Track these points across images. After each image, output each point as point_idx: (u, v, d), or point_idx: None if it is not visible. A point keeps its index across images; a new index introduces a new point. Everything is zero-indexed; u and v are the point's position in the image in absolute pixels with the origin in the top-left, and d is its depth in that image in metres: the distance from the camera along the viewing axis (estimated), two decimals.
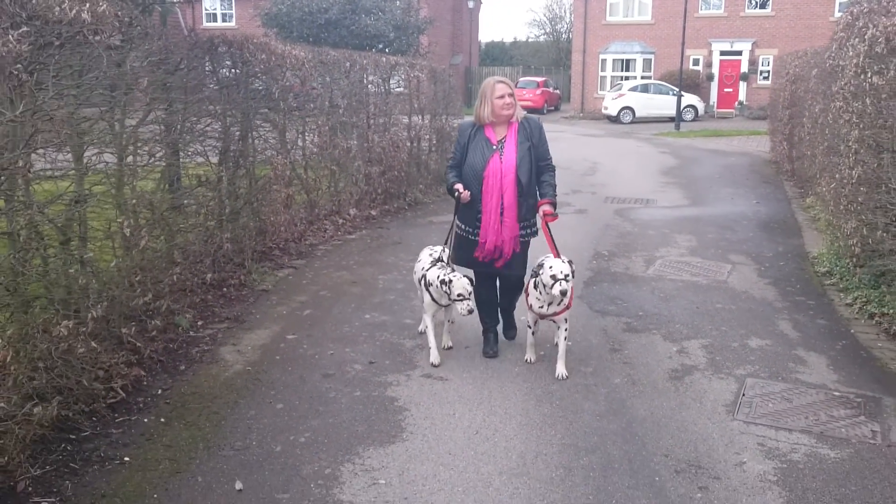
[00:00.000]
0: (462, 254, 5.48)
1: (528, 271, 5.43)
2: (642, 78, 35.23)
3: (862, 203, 6.91)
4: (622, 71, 36.81)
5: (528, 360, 5.44)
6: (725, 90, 35.70)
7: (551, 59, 51.59)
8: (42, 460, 3.92)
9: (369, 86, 11.55)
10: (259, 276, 7.45)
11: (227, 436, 4.35)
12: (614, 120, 31.82)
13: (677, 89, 29.54)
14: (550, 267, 4.98)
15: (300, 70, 9.08)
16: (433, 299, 5.35)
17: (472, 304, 5.15)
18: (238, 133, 7.65)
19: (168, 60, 5.78)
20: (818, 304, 6.97)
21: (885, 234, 6.44)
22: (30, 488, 3.69)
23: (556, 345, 5.35)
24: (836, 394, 4.98)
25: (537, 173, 5.30)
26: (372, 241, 9.49)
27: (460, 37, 44.53)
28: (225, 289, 6.98)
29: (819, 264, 8.15)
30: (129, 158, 5.42)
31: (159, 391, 4.90)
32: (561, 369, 5.19)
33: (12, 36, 3.39)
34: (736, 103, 34.76)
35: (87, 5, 4.35)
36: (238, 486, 3.82)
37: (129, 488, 3.78)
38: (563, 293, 4.91)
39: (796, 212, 11.57)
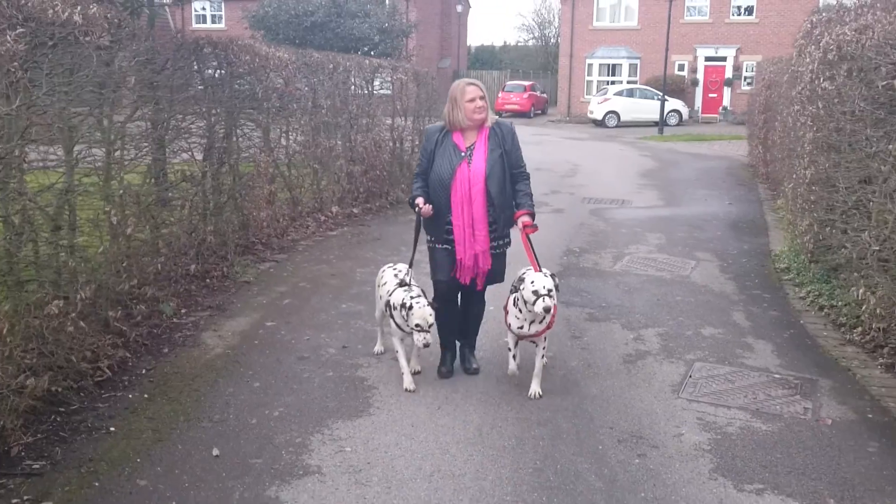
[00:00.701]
0: (441, 266, 5.08)
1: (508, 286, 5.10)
2: (628, 83, 35.72)
3: (814, 202, 7.30)
4: (608, 75, 37.31)
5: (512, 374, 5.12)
6: (710, 95, 36.24)
7: (539, 63, 52.06)
8: (34, 429, 4.23)
9: (352, 87, 11.89)
10: (241, 269, 7.77)
11: (206, 410, 4.68)
12: (599, 124, 32.27)
13: (662, 94, 30.01)
14: (532, 282, 4.61)
15: (284, 71, 9.42)
16: (398, 325, 4.97)
17: (429, 337, 4.79)
18: (222, 131, 7.97)
19: (154, 60, 6.11)
20: (773, 297, 7.35)
21: (833, 231, 6.82)
22: (22, 453, 4.01)
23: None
24: (777, 376, 5.35)
25: (511, 182, 4.98)
26: (353, 237, 9.82)
27: (449, 40, 44.94)
28: (208, 280, 7.29)
29: (779, 261, 8.53)
30: (117, 153, 5.75)
31: (143, 371, 5.22)
32: (535, 388, 4.90)
33: (10, 36, 3.72)
34: (720, 108, 35.27)
35: (79, 8, 4.68)
36: (215, 452, 4.15)
37: (114, 454, 4.10)
38: (547, 310, 4.55)
39: (766, 213, 11.96)
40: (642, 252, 9.14)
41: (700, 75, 36.07)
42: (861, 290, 5.99)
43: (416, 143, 13.82)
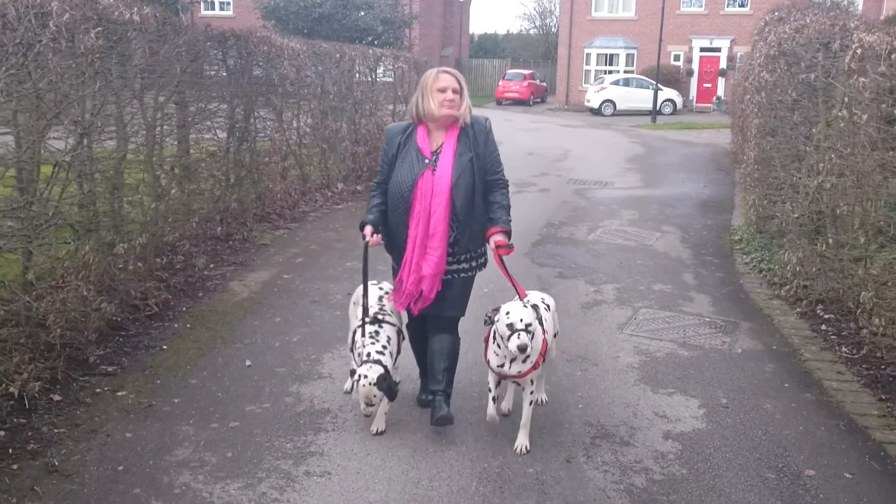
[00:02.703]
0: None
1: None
2: (625, 72, 36.68)
3: (758, 179, 8.41)
4: (606, 65, 38.27)
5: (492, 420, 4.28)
6: (704, 85, 37.17)
7: (540, 52, 52.94)
8: (103, 345, 5.34)
9: (357, 75, 12.97)
10: (259, 234, 8.89)
11: (238, 336, 5.80)
12: (596, 112, 33.24)
13: (655, 84, 31.00)
14: (507, 313, 3.88)
15: (296, 60, 10.50)
16: (355, 361, 4.33)
17: (371, 411, 4.16)
18: (242, 113, 9.06)
19: (190, 52, 7.18)
20: (722, 262, 8.45)
21: (770, 204, 7.92)
22: (97, 361, 5.12)
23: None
24: (707, 320, 6.46)
25: (484, 191, 4.19)
26: (357, 210, 10.92)
27: (451, 29, 45.84)
28: (231, 242, 8.41)
29: (735, 234, 9.63)
30: (158, 129, 6.85)
31: (183, 308, 6.34)
32: (522, 440, 4.13)
33: (92, 34, 4.80)
34: (714, 98, 36.21)
35: (135, 9, 5.76)
36: (248, 363, 5.27)
37: (168, 363, 5.23)
38: (522, 349, 3.78)
39: (736, 195, 12.99)
40: (615, 225, 10.23)
41: (695, 65, 36.99)
42: (786, 253, 7.10)
43: None
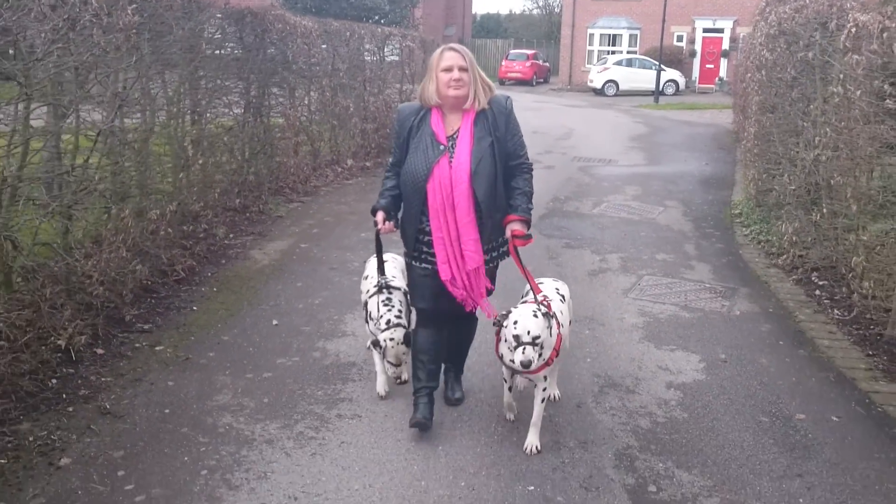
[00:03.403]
0: (416, 292, 4.16)
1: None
2: (628, 53, 36.81)
3: (757, 154, 8.70)
4: (609, 46, 38.37)
5: (509, 419, 4.23)
6: (707, 66, 37.29)
7: (543, 32, 52.93)
8: (137, 305, 5.67)
9: (366, 54, 13.23)
10: (274, 206, 9.20)
11: (263, 298, 6.13)
12: (599, 92, 33.41)
13: (658, 64, 31.16)
14: (515, 323, 3.64)
15: (308, 38, 10.75)
16: (371, 331, 4.43)
17: (405, 374, 4.36)
18: (257, 89, 9.34)
19: (212, 29, 7.46)
20: (722, 234, 8.76)
21: (769, 177, 8.22)
22: (133, 320, 5.45)
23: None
24: (707, 286, 6.79)
25: (506, 177, 3.91)
26: (366, 185, 11.22)
27: (454, 9, 45.91)
28: (248, 213, 8.71)
29: (735, 208, 9.93)
30: (181, 103, 7.15)
31: (209, 274, 6.66)
32: (533, 440, 3.93)
33: (129, 10, 5.09)
34: (716, 79, 36.34)
35: None
36: (275, 322, 5.61)
37: (200, 322, 5.56)
38: (525, 366, 3.58)
39: (737, 172, 13.27)
40: (619, 200, 10.54)
41: (698, 46, 37.09)
42: (783, 224, 7.41)
43: None
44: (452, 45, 3.94)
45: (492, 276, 4.12)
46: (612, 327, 5.70)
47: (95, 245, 5.12)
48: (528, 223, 3.91)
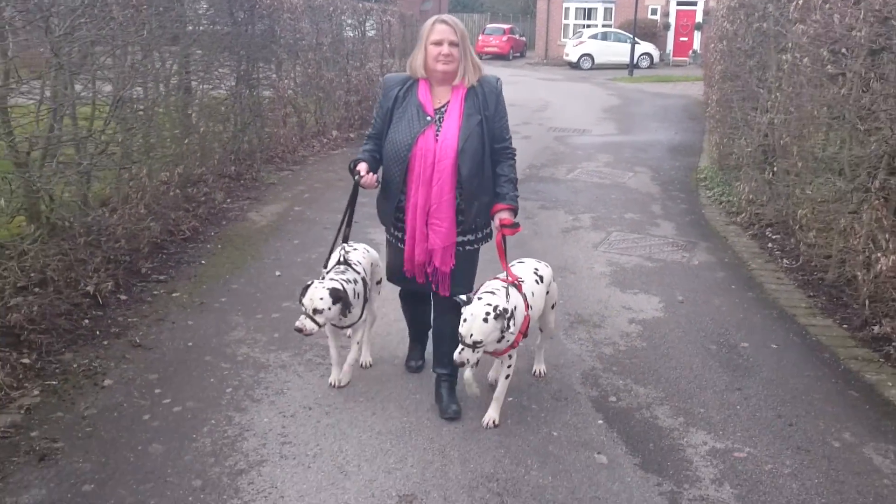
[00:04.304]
0: (388, 263, 4.16)
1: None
2: (603, 26, 37.33)
3: (719, 120, 9.32)
4: (584, 19, 38.89)
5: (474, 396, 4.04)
6: (681, 39, 37.89)
7: (519, 6, 53.17)
8: (150, 259, 6.20)
9: (347, 29, 13.69)
10: (266, 174, 9.71)
11: (264, 254, 6.67)
12: (575, 66, 33.93)
13: (632, 37, 31.72)
14: (464, 320, 3.54)
15: (294, 13, 11.20)
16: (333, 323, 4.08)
17: (305, 323, 3.77)
18: (247, 62, 9.80)
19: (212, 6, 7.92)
20: (687, 196, 9.40)
21: (728, 141, 8.85)
22: (148, 272, 5.98)
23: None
24: (670, 240, 7.42)
25: (491, 161, 3.79)
26: (351, 155, 11.59)
27: None
28: (242, 180, 9.22)
29: (700, 173, 10.57)
30: (183, 74, 7.63)
31: (212, 234, 7.19)
32: (492, 414, 3.91)
33: None
34: (690, 52, 36.93)
35: None
36: (277, 273, 6.17)
37: (209, 273, 6.11)
38: (459, 365, 3.58)
39: (705, 140, 13.95)
40: (591, 167, 11.14)
41: (672, 19, 37.68)
42: (741, 184, 8.05)
43: None
44: (444, 16, 3.79)
45: (473, 259, 3.99)
46: (582, 275, 6.32)
47: (120, 201, 5.63)
48: (515, 211, 3.80)
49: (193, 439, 3.71)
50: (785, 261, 6.70)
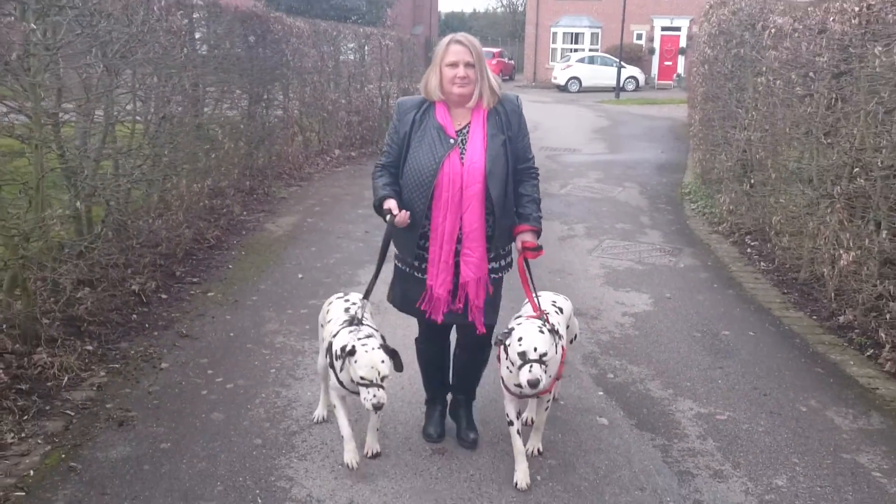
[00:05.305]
0: (400, 293, 3.85)
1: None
2: (590, 51, 38.33)
3: (702, 138, 10.00)
4: (571, 43, 39.87)
5: (518, 486, 3.57)
6: (666, 63, 38.95)
7: (507, 30, 54.35)
8: (184, 263, 6.76)
9: (349, 53, 14.37)
10: (277, 189, 10.31)
11: (285, 259, 7.25)
12: (563, 89, 34.83)
13: (618, 61, 32.65)
14: (520, 339, 3.32)
15: (301, 38, 11.85)
16: (340, 382, 3.57)
17: (381, 395, 3.35)
18: (260, 84, 10.42)
19: (228, 30, 8.55)
20: (673, 209, 10.06)
21: (711, 157, 9.52)
22: (183, 275, 6.54)
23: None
24: (658, 247, 8.05)
25: (514, 182, 3.61)
26: (354, 172, 12.35)
27: (421, 8, 47.02)
28: (256, 195, 9.81)
29: (685, 188, 11.25)
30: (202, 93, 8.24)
31: (234, 242, 7.76)
32: (535, 443, 3.82)
33: (178, 15, 6.18)
34: (674, 75, 37.95)
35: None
36: (300, 276, 6.74)
37: (238, 276, 6.67)
38: (533, 385, 3.26)
39: (689, 158, 14.64)
40: (583, 183, 11.80)
41: (657, 44, 38.75)
42: (722, 196, 8.71)
43: None
44: (459, 36, 3.56)
45: (499, 289, 3.75)
46: (578, 276, 6.93)
47: (165, 208, 6.20)
48: (538, 233, 3.61)
49: (248, 409, 4.27)
50: (762, 263, 7.33)
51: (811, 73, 6.32)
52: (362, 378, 3.31)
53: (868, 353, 5.19)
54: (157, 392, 4.44)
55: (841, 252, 5.53)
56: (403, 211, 3.46)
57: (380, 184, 3.62)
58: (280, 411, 4.26)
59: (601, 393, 4.58)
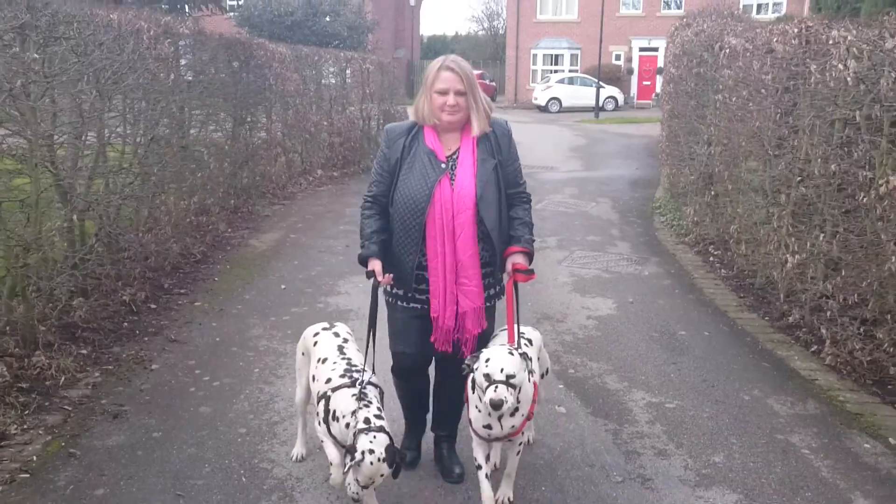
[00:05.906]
0: (400, 337, 3.72)
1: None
2: (570, 71, 39.03)
3: (669, 154, 10.45)
4: (552, 65, 40.61)
5: None
6: (644, 83, 39.68)
7: (489, 53, 55.14)
8: (171, 276, 7.09)
9: (331, 76, 14.79)
10: (261, 208, 10.66)
11: (268, 272, 7.59)
12: (543, 109, 35.44)
13: (597, 82, 33.31)
14: (487, 361, 3.18)
15: (283, 62, 12.26)
16: (332, 435, 3.39)
17: (366, 497, 3.32)
18: (243, 107, 10.80)
19: (212, 55, 8.94)
20: (643, 222, 10.48)
21: (677, 172, 9.96)
22: (170, 286, 6.87)
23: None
24: (625, 257, 8.45)
25: (506, 206, 3.55)
26: (336, 191, 12.73)
27: (403, 32, 47.70)
28: (240, 213, 10.15)
29: (656, 203, 11.68)
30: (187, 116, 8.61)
31: (220, 257, 8.10)
32: (506, 491, 3.58)
33: (165, 43, 6.55)
34: (653, 95, 38.57)
35: (186, 21, 7.52)
36: (282, 286, 7.08)
37: (223, 288, 7.01)
38: (496, 406, 3.11)
39: (662, 174, 15.14)
40: (558, 198, 12.22)
41: (635, 64, 39.50)
42: (688, 208, 9.14)
43: (381, 121, 16.76)
44: (449, 61, 3.45)
45: (492, 318, 3.67)
46: (548, 284, 7.31)
47: (153, 224, 6.55)
48: (530, 256, 3.53)
49: (234, 403, 4.61)
50: (722, 270, 7.74)
51: (761, 90, 6.76)
52: (356, 479, 3.12)
53: (812, 349, 5.59)
54: (148, 390, 4.77)
55: (787, 256, 5.93)
56: (387, 275, 3.42)
57: (368, 229, 3.51)
58: (263, 405, 4.60)
59: (561, 386, 4.95)
